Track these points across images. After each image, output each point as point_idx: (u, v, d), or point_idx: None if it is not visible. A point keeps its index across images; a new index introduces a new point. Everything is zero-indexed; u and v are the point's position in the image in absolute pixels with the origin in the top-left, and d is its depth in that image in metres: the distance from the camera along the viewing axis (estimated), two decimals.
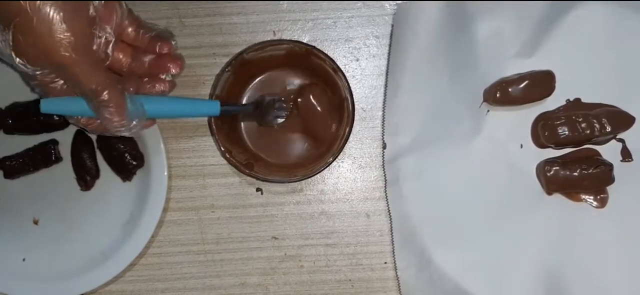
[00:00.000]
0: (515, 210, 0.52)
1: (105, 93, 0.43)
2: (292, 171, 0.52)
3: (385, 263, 0.54)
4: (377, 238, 0.54)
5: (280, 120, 0.53)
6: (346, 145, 0.51)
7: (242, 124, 0.54)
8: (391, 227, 0.53)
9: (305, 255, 0.54)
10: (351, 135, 0.51)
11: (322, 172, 0.54)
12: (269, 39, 0.54)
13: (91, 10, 0.42)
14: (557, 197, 0.52)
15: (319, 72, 0.52)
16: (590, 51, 0.52)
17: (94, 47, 0.43)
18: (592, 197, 0.52)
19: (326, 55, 0.50)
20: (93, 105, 0.44)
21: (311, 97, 0.52)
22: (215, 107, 0.49)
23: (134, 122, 0.46)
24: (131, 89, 0.47)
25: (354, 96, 0.50)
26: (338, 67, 0.50)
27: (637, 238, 0.51)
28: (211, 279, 0.54)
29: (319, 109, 0.52)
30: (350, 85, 0.50)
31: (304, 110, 0.52)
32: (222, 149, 0.50)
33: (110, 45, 0.45)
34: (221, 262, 0.54)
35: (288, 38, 0.54)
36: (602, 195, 0.52)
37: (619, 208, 0.51)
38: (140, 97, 0.47)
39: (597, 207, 0.52)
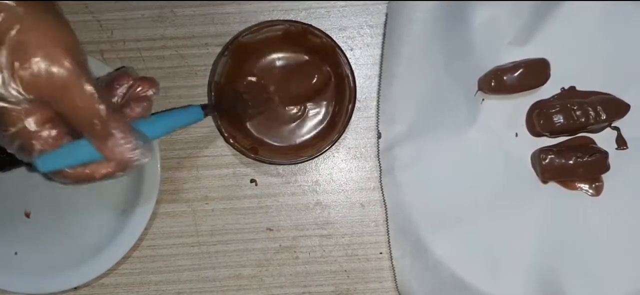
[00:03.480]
0: (510, 198, 0.52)
1: (112, 119, 0.37)
2: (298, 152, 0.52)
3: (381, 253, 0.54)
4: (372, 228, 0.54)
5: (253, 111, 0.52)
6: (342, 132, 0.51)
7: None
8: (386, 217, 0.53)
9: (300, 246, 0.54)
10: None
11: (316, 163, 0.54)
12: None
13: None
14: (553, 186, 0.52)
15: (318, 50, 0.51)
16: (585, 39, 0.51)
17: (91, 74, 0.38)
18: (587, 185, 0.52)
19: (323, 32, 0.50)
20: (99, 136, 0.37)
21: (287, 85, 0.52)
22: (198, 113, 0.47)
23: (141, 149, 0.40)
24: None
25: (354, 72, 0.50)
26: (336, 43, 0.50)
27: (632, 226, 0.51)
28: (205, 271, 0.54)
29: (299, 84, 0.52)
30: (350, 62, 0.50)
31: (280, 90, 0.52)
32: (226, 135, 0.50)
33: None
34: (216, 254, 0.54)
35: None
36: (597, 184, 0.52)
37: (614, 196, 0.51)
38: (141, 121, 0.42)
39: (592, 195, 0.52)
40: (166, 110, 0.47)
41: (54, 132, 0.38)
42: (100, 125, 0.37)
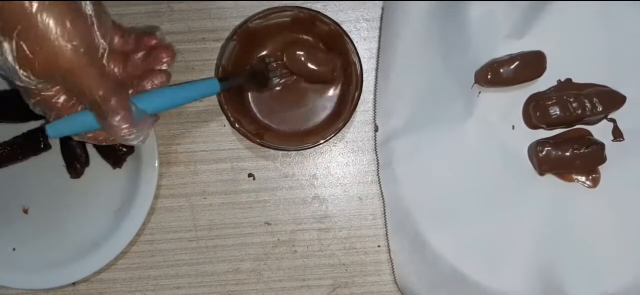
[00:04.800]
0: (507, 191, 0.52)
1: (112, 100, 0.41)
2: (303, 139, 0.51)
3: (379, 246, 0.54)
4: (370, 221, 0.54)
5: (277, 80, 0.53)
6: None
7: (249, 95, 0.54)
8: (384, 210, 0.53)
9: (298, 240, 0.54)
10: None
11: (314, 156, 0.54)
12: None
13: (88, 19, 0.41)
14: (549, 178, 0.52)
15: (325, 37, 0.52)
16: (581, 31, 0.52)
17: (98, 55, 0.42)
18: (584, 177, 0.52)
19: (331, 19, 0.50)
20: (100, 114, 0.41)
21: (294, 50, 0.52)
22: (215, 85, 0.48)
23: (143, 128, 0.44)
24: (130, 92, 0.45)
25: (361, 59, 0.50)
26: (344, 31, 0.50)
27: (629, 217, 0.51)
28: (204, 265, 0.54)
29: (304, 57, 0.52)
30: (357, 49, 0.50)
31: (293, 65, 0.52)
32: (232, 119, 0.50)
33: (105, 55, 0.43)
34: (214, 249, 0.54)
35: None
36: (594, 175, 0.52)
37: (611, 187, 0.51)
38: (139, 96, 0.44)
39: (589, 186, 0.52)
40: (182, 83, 0.49)
41: (67, 101, 0.42)
42: (101, 105, 0.41)
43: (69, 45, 0.38)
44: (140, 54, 0.46)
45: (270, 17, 0.50)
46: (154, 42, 0.47)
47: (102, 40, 0.42)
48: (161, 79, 0.46)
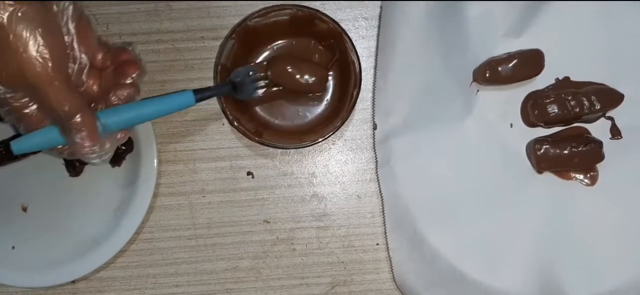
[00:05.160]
0: (506, 189, 0.52)
1: (78, 116, 0.40)
2: (302, 137, 0.52)
3: (377, 244, 0.54)
4: (368, 220, 0.54)
5: (260, 92, 0.52)
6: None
7: None
8: (383, 208, 0.53)
9: (297, 238, 0.54)
10: None
11: (313, 155, 0.55)
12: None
13: (66, 34, 0.40)
14: (548, 176, 0.52)
15: (324, 36, 0.52)
16: (579, 30, 0.52)
17: (69, 70, 0.42)
18: (582, 175, 0.52)
19: (330, 18, 0.50)
20: (65, 129, 0.41)
21: (279, 63, 0.52)
22: (189, 98, 0.47)
23: (107, 146, 0.43)
24: (100, 107, 0.45)
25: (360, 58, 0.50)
26: (343, 30, 0.50)
27: (627, 214, 0.51)
28: (203, 263, 0.54)
29: (291, 71, 0.51)
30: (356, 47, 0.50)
31: (279, 80, 0.52)
32: (230, 118, 0.50)
33: (85, 71, 0.43)
34: (213, 247, 0.54)
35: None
36: (592, 173, 0.52)
37: (609, 185, 0.52)
38: (106, 111, 0.44)
39: (587, 184, 0.52)
40: (158, 96, 0.48)
41: (36, 114, 0.41)
42: (65, 120, 0.40)
43: (38, 57, 0.38)
44: (110, 69, 0.46)
45: (269, 15, 0.51)
46: (124, 57, 0.46)
47: (83, 56, 0.42)
48: (128, 91, 0.45)
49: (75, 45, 0.41)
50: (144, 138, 0.52)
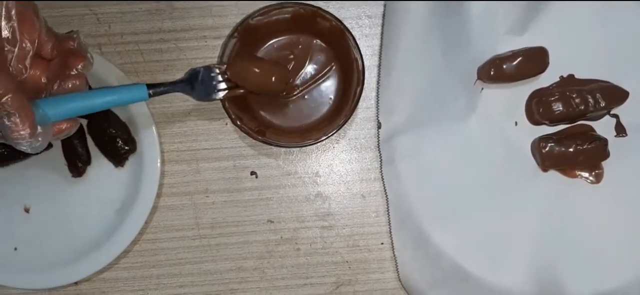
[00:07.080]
0: (511, 187, 0.52)
1: (7, 97, 0.38)
2: (304, 135, 0.51)
3: (382, 243, 0.54)
4: (373, 219, 0.54)
5: (221, 94, 0.49)
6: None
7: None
8: (387, 208, 0.53)
9: (301, 237, 0.54)
10: None
11: (316, 154, 0.54)
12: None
13: (5, 18, 0.39)
14: (553, 174, 0.52)
15: (327, 34, 0.52)
16: (583, 27, 0.51)
17: (5, 53, 0.40)
18: (587, 173, 0.52)
19: (333, 16, 0.50)
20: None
21: (236, 61, 0.49)
22: (142, 92, 0.45)
23: (39, 130, 0.40)
24: (43, 96, 0.43)
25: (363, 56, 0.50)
26: (346, 27, 0.49)
27: (633, 212, 0.51)
28: (207, 263, 0.54)
29: (250, 70, 0.49)
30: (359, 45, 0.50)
31: (238, 80, 0.49)
32: (233, 117, 0.50)
33: (29, 58, 0.42)
34: (217, 247, 0.54)
35: None
36: (597, 171, 0.52)
37: (614, 183, 0.51)
38: (47, 99, 0.42)
39: (592, 182, 0.52)
40: (109, 87, 0.46)
41: None
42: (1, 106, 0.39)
43: None
44: (56, 59, 0.44)
45: (271, 13, 0.50)
46: (69, 45, 0.45)
47: (27, 42, 0.41)
48: (73, 83, 0.44)
49: (16, 28, 0.40)
50: (147, 137, 0.52)
